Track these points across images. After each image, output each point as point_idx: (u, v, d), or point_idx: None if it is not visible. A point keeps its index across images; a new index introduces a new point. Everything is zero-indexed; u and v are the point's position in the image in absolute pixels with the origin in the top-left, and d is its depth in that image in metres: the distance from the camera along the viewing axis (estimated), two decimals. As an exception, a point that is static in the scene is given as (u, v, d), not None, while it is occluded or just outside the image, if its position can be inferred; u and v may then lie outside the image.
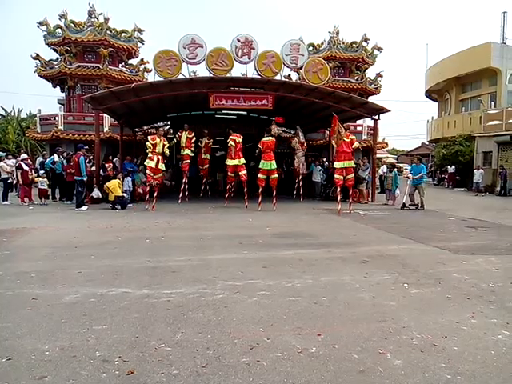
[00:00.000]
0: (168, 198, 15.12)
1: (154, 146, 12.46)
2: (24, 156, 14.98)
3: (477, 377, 2.88)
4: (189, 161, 14.83)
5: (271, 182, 13.23)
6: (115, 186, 12.90)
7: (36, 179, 14.17)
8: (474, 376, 2.89)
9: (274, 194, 13.17)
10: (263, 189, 13.26)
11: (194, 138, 14.97)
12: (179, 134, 14.59)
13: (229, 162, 13.43)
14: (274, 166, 13.07)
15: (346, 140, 12.60)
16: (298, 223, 10.42)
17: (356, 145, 13.11)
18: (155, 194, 12.74)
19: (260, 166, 13.14)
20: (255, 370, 2.93)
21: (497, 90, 28.14)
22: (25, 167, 13.86)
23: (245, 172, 13.51)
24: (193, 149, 15.10)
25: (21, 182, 13.83)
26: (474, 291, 4.83)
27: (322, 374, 2.89)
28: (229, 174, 13.83)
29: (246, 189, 13.53)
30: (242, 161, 13.38)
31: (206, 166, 16.74)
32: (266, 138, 12.95)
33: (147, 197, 13.22)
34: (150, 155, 12.61)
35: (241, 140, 13.38)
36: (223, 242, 7.75)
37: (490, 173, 22.48)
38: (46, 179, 14.27)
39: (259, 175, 13.21)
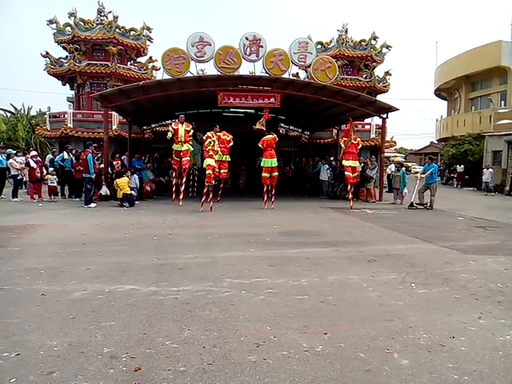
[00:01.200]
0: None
1: (212, 143, 12.32)
2: (33, 153, 15.09)
3: (484, 377, 2.87)
4: (188, 158, 13.70)
5: (272, 179, 13.21)
6: (125, 184, 12.96)
7: (46, 176, 14.28)
8: (481, 377, 2.88)
9: (274, 192, 13.17)
10: (268, 187, 13.19)
11: (192, 131, 13.89)
12: (174, 126, 13.34)
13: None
14: (276, 164, 13.06)
15: (354, 142, 13.67)
16: (305, 221, 10.40)
17: (360, 145, 14.24)
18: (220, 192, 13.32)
19: (262, 165, 13.14)
20: (261, 367, 2.94)
21: (507, 89, 27.82)
22: (32, 164, 13.97)
23: (225, 171, 13.81)
24: (191, 143, 14.10)
25: (28, 179, 13.90)
26: (482, 291, 4.79)
27: (328, 372, 2.89)
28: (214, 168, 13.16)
29: (221, 185, 14.23)
30: (226, 158, 13.46)
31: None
32: (267, 136, 12.95)
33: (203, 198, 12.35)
34: (210, 153, 12.16)
35: (228, 138, 13.33)
36: (230, 239, 7.77)
37: (499, 172, 22.27)
38: (55, 176, 14.37)
39: (263, 174, 13.12)
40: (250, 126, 13.30)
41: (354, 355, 3.15)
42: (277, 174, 13.23)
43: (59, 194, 14.94)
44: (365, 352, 3.20)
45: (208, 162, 12.02)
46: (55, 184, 14.25)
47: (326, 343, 3.35)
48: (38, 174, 14.05)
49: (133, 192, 13.64)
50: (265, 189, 13.14)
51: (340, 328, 3.68)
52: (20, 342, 3.28)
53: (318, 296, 4.51)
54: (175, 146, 13.32)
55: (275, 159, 13.05)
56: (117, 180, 13.31)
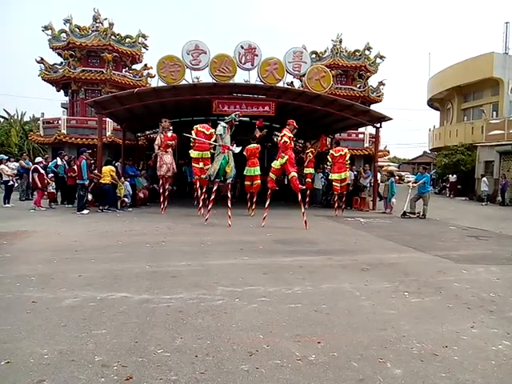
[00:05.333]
0: (169, 203, 15.08)
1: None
2: (39, 159, 14.91)
3: (477, 387, 2.87)
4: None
5: (253, 187, 13.27)
6: (106, 173, 12.94)
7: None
8: (474, 386, 2.88)
9: (255, 200, 13.25)
10: (251, 194, 13.46)
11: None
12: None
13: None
14: (258, 172, 13.15)
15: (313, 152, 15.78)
16: (298, 230, 10.39)
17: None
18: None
19: (245, 173, 13.26)
20: (254, 376, 2.92)
21: (499, 100, 28.17)
22: (41, 170, 13.72)
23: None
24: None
25: (39, 186, 13.40)
26: (474, 301, 4.81)
27: (321, 381, 2.88)
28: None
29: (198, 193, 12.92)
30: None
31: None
32: (251, 145, 13.03)
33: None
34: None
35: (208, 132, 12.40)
36: (224, 247, 7.75)
37: (491, 182, 22.47)
38: (53, 183, 14.21)
39: (246, 182, 13.44)
40: (245, 134, 13.33)
41: (347, 364, 3.14)
42: (259, 181, 13.28)
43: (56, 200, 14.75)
44: (358, 361, 3.20)
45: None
46: (54, 191, 14.13)
47: (319, 352, 3.34)
48: (46, 181, 13.82)
49: (126, 199, 13.62)
50: (248, 196, 13.51)
51: (333, 337, 3.67)
52: (10, 349, 3.24)
53: (311, 304, 4.50)
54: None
55: (258, 168, 13.14)
56: (103, 168, 13.24)
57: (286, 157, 10.81)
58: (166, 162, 12.81)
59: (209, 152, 12.26)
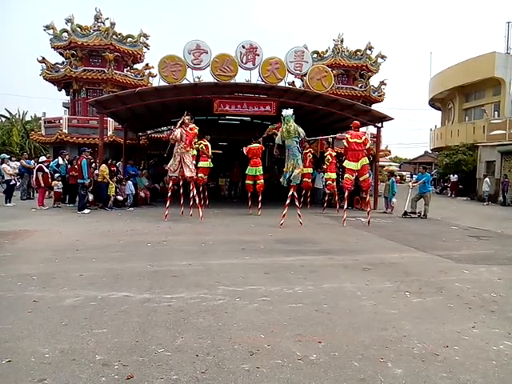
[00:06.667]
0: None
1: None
2: (43, 158, 14.90)
3: (478, 387, 2.86)
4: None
5: (257, 186, 13.31)
6: (103, 170, 13.20)
7: (53, 183, 14.11)
8: (475, 386, 2.87)
9: (260, 199, 13.27)
10: (251, 194, 13.47)
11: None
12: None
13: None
14: (260, 172, 13.26)
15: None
16: (300, 229, 10.39)
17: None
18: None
19: (246, 172, 13.34)
20: (255, 376, 2.92)
21: (500, 100, 28.07)
22: (46, 170, 13.72)
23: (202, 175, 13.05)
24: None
25: (42, 185, 13.50)
26: (475, 301, 4.80)
27: (322, 381, 2.88)
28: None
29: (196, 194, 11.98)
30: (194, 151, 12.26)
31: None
32: (253, 145, 13.09)
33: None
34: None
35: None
36: (225, 247, 7.75)
37: (493, 182, 22.43)
38: (60, 182, 14.19)
39: (246, 181, 13.51)
40: (246, 134, 13.33)
41: (348, 364, 3.14)
42: (262, 181, 13.34)
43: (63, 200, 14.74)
44: (359, 361, 3.19)
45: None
46: (61, 190, 14.16)
47: (320, 352, 3.33)
48: (50, 180, 13.86)
49: (119, 197, 13.70)
50: (249, 195, 13.48)
51: (334, 336, 3.67)
52: (11, 348, 3.24)
53: (313, 304, 4.50)
54: None
55: (260, 167, 13.23)
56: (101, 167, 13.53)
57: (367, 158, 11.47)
58: (188, 162, 11.24)
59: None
